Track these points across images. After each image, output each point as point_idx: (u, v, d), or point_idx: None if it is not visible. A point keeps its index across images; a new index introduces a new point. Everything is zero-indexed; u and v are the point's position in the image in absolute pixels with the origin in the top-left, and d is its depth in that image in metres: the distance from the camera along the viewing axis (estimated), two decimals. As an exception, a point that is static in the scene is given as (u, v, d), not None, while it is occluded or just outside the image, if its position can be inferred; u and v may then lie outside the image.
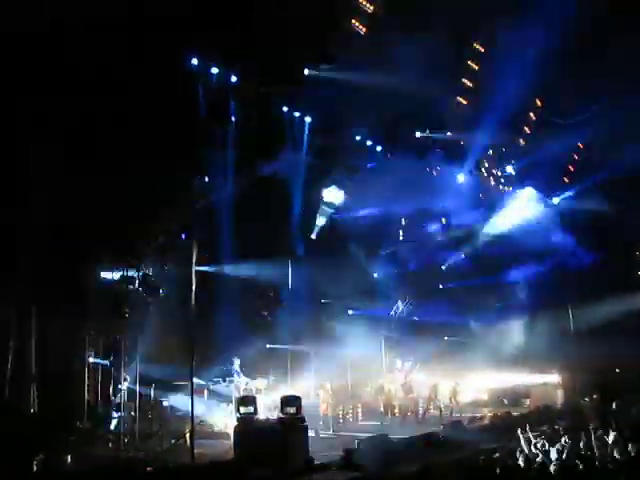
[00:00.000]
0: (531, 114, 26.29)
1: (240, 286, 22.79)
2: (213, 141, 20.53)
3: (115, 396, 18.35)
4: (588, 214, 27.02)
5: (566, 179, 28.73)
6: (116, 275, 18.89)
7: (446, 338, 27.95)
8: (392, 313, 28.02)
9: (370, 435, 16.60)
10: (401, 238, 28.51)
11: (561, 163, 27.79)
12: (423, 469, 12.01)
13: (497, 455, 12.58)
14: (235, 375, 20.58)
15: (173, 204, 19.62)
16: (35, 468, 13.60)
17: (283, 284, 24.10)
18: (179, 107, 18.26)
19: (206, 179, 20.73)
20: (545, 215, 28.84)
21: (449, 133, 25.15)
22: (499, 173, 28.96)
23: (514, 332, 28.32)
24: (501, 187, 29.47)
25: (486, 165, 28.62)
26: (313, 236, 25.33)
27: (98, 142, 17.22)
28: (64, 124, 16.65)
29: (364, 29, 20.47)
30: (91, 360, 18.64)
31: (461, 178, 27.68)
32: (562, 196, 28.80)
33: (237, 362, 20.94)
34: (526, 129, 26.37)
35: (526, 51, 20.42)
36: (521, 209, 28.53)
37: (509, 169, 28.84)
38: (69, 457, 14.42)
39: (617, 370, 25.64)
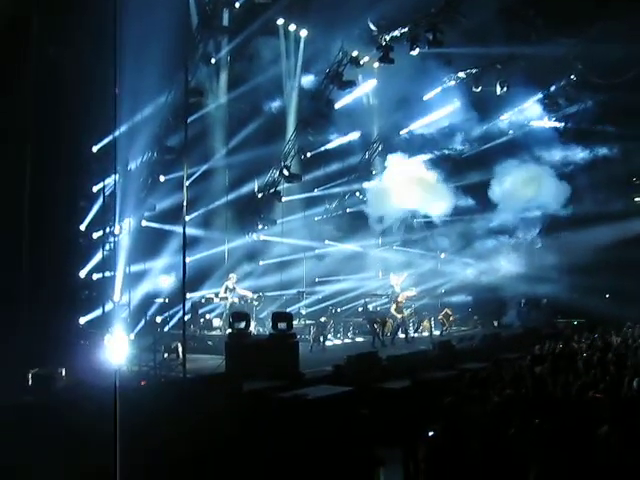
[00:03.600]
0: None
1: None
2: (206, 54, 19.99)
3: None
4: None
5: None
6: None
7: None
8: None
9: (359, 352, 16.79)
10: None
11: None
12: (413, 385, 12.21)
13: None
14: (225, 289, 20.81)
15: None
16: (30, 382, 13.81)
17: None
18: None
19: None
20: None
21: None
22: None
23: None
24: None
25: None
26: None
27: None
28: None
29: None
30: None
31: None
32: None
33: (233, 276, 21.14)
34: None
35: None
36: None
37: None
38: (63, 371, 14.50)
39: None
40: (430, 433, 8.25)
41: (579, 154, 25.84)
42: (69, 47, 16.20)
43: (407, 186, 23.76)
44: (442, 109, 25.79)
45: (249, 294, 21.05)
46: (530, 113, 26.77)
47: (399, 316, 22.11)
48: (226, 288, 20.80)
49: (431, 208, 24.67)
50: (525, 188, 24.84)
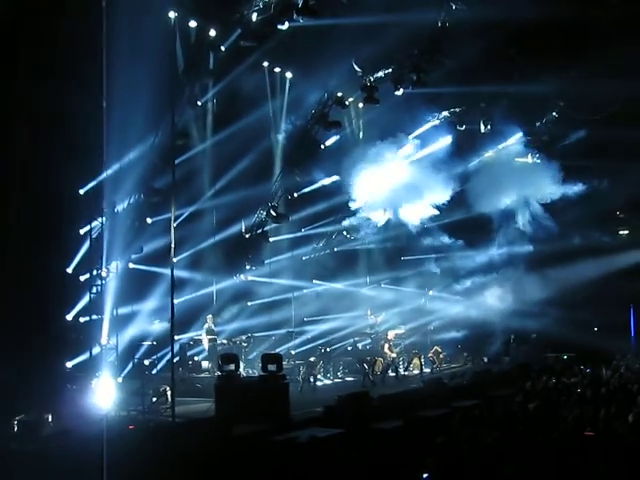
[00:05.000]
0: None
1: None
2: (192, 96, 20.11)
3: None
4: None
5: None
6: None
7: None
8: None
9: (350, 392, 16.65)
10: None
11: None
12: (405, 424, 12.10)
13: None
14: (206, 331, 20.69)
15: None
16: (16, 429, 13.59)
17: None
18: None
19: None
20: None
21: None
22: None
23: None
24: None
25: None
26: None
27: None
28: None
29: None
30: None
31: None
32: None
33: (210, 317, 21.04)
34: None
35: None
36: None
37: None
38: (49, 416, 14.28)
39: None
40: (424, 475, 8.16)
41: (563, 189, 26.12)
42: (57, 89, 16.26)
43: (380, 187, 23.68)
44: (427, 147, 26.00)
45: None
46: (513, 150, 27.08)
47: (392, 355, 22.05)
48: (207, 330, 20.72)
49: (407, 211, 24.74)
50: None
